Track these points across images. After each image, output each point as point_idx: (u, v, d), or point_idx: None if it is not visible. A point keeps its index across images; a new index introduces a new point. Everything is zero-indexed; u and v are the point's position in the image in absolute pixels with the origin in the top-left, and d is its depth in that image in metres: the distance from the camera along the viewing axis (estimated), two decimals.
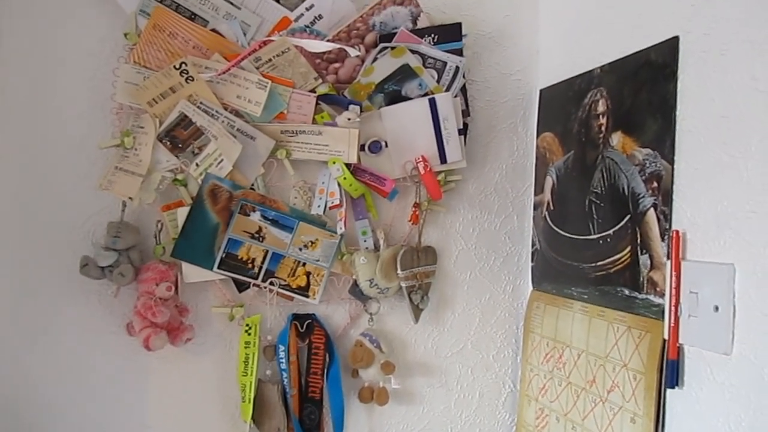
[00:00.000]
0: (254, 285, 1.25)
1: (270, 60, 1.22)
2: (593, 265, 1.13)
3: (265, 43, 1.20)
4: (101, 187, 1.16)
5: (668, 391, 0.94)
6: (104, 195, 1.18)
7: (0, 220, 1.18)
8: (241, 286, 1.25)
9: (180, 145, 1.20)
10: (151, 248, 1.21)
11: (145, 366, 1.23)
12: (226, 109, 1.21)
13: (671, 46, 0.96)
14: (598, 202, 1.13)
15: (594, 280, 1.13)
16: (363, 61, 1.25)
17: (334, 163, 1.22)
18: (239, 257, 1.22)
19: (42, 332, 1.19)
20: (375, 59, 1.25)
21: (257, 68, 1.22)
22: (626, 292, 1.05)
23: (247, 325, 1.24)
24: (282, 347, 1.24)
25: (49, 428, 1.20)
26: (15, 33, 1.18)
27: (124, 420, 1.23)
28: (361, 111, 1.24)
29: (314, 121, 1.24)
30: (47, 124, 1.19)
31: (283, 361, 1.24)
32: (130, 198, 1.17)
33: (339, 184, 1.23)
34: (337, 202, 1.22)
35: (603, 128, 1.12)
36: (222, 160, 1.20)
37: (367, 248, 1.28)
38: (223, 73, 1.19)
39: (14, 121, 1.18)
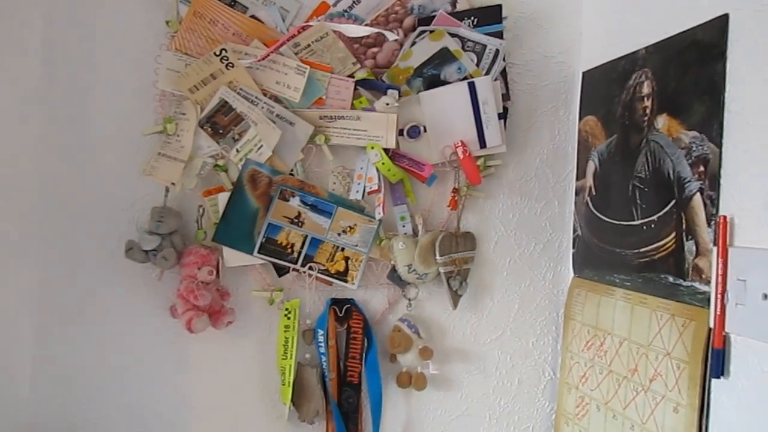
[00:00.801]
0: (293, 270, 1.26)
1: (308, 45, 1.22)
2: (636, 251, 1.11)
3: (303, 28, 1.20)
4: (144, 172, 1.18)
5: (713, 381, 0.92)
6: (148, 181, 1.20)
7: (50, 207, 1.21)
8: (281, 271, 1.27)
9: (220, 131, 1.21)
10: (193, 233, 1.23)
11: (187, 348, 1.26)
12: (265, 95, 1.22)
13: (720, 24, 0.93)
14: (642, 186, 1.10)
15: (637, 266, 1.10)
16: (401, 46, 1.25)
17: (372, 148, 1.22)
18: (279, 242, 1.24)
19: (89, 314, 1.23)
20: (413, 43, 1.24)
21: (296, 54, 1.22)
22: (670, 279, 1.02)
23: (287, 309, 1.25)
24: (321, 331, 1.25)
25: (95, 406, 1.24)
26: (61, 23, 1.21)
27: (167, 400, 1.26)
28: (399, 96, 1.23)
29: (353, 107, 1.24)
30: (93, 112, 1.22)
31: (322, 345, 1.25)
32: (172, 183, 1.20)
33: (377, 170, 1.23)
34: (375, 187, 1.22)
35: (648, 111, 1.09)
36: (261, 146, 1.21)
37: (405, 234, 1.28)
38: (263, 59, 1.20)
39: (61, 110, 1.21)
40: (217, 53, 1.19)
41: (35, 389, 1.22)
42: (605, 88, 1.22)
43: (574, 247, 1.33)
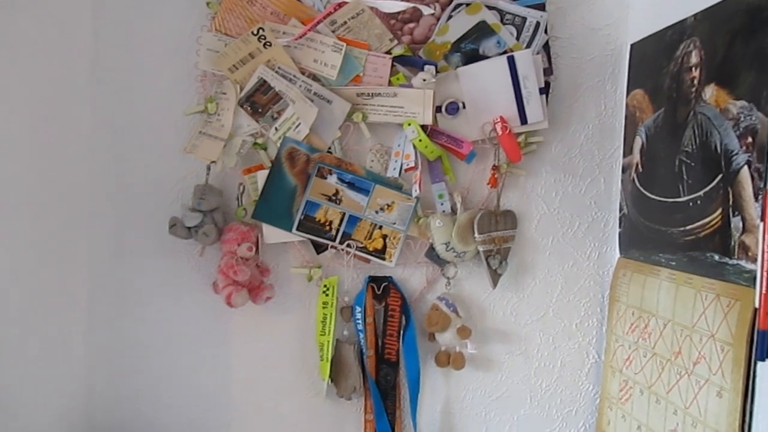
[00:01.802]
0: (332, 247, 1.26)
1: (345, 23, 1.22)
2: (682, 229, 1.06)
3: (339, 5, 1.19)
4: (185, 150, 1.21)
5: (758, 364, 0.87)
6: (192, 160, 1.23)
7: (96, 185, 1.26)
8: (319, 248, 1.28)
9: (260, 110, 1.23)
10: (233, 210, 1.26)
11: (229, 323, 1.29)
12: (303, 73, 1.22)
13: None
14: (688, 161, 1.05)
15: (682, 245, 1.06)
16: (438, 20, 1.22)
17: (409, 125, 1.21)
18: (317, 219, 1.25)
19: (136, 290, 1.28)
20: (450, 17, 1.22)
21: (333, 32, 1.22)
22: (716, 257, 0.97)
23: (325, 286, 1.26)
24: (358, 308, 1.26)
25: (142, 377, 1.29)
26: (109, 7, 1.25)
27: (209, 374, 1.30)
28: (436, 71, 1.22)
29: (390, 83, 1.23)
30: (139, 93, 1.26)
31: (360, 322, 1.26)
32: (213, 162, 1.22)
33: (414, 147, 1.22)
34: (412, 164, 1.21)
35: (695, 81, 1.04)
36: (299, 124, 1.22)
37: (443, 212, 1.27)
38: (300, 37, 1.20)
39: (109, 92, 1.26)
40: (255, 32, 1.20)
41: (89, 360, 1.27)
42: (653, 60, 1.17)
43: (620, 227, 1.29)
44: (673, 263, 1.09)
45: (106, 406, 1.28)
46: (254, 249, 1.21)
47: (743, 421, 0.90)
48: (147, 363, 1.29)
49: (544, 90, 1.24)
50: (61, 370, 1.21)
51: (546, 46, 1.25)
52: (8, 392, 1.01)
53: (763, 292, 0.85)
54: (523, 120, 1.24)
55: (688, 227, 1.04)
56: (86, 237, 1.26)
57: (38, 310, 1.12)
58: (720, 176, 0.96)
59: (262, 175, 1.24)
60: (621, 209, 1.28)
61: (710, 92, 1.00)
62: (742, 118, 0.92)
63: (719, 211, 0.96)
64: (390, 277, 1.29)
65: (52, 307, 1.17)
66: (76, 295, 1.25)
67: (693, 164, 1.04)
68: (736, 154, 0.93)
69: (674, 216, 1.08)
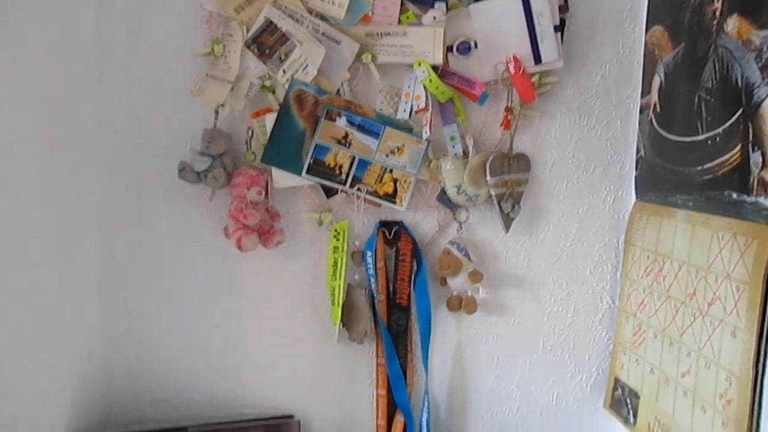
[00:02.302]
0: (342, 191, 1.25)
1: None
2: (700, 168, 1.03)
3: None
4: (192, 93, 1.19)
5: None
6: (201, 105, 1.21)
7: (104, 130, 1.25)
8: (329, 192, 1.26)
9: (267, 52, 1.20)
10: (242, 154, 1.24)
11: (240, 268, 1.29)
12: (310, 12, 1.19)
13: None
14: (708, 98, 1.01)
15: (700, 185, 1.03)
16: None
17: (419, 65, 1.18)
18: (326, 163, 1.23)
19: (148, 234, 1.27)
20: None
21: None
22: (734, 195, 0.94)
23: (336, 230, 1.26)
24: (369, 253, 1.25)
25: (156, 321, 1.30)
26: None
27: (220, 318, 1.30)
28: (447, 9, 1.18)
29: (399, 22, 1.20)
30: (145, 36, 1.23)
31: (371, 266, 1.25)
32: (221, 105, 1.20)
33: (425, 88, 1.19)
34: (423, 105, 1.18)
35: (717, 13, 0.99)
36: (307, 66, 1.19)
37: (455, 155, 1.24)
38: None
39: (113, 34, 1.23)
40: None
41: (102, 306, 1.29)
42: None
43: (636, 170, 1.26)
44: (690, 204, 1.06)
45: (120, 350, 1.30)
46: (264, 193, 1.20)
47: (757, 360, 0.89)
48: (159, 307, 1.30)
49: (560, 28, 1.20)
50: (76, 315, 1.22)
51: None
52: (23, 336, 1.03)
53: None
54: (537, 59, 1.20)
55: (706, 166, 1.01)
56: (96, 183, 1.25)
57: (51, 256, 1.12)
58: (740, 111, 0.93)
59: (270, 119, 1.22)
60: (638, 151, 1.25)
61: (732, 23, 0.95)
62: (765, 49, 0.88)
63: (738, 147, 0.93)
64: (401, 221, 1.28)
65: (65, 253, 1.17)
66: (88, 240, 1.26)
67: (712, 100, 1.00)
68: (758, 86, 0.89)
69: (692, 155, 1.05)
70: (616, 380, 1.28)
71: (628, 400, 1.22)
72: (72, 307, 1.20)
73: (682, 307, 1.07)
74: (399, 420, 1.31)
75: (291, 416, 1.31)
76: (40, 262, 1.08)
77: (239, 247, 1.19)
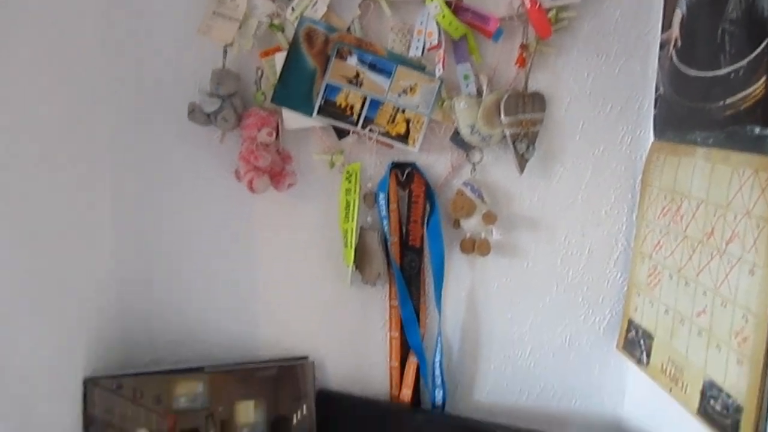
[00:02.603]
0: (354, 132, 1.23)
1: None
2: (722, 104, 1.00)
3: None
4: (200, 32, 1.17)
5: None
6: (209, 45, 1.19)
7: (114, 72, 1.23)
8: (341, 134, 1.25)
9: None
10: (252, 95, 1.22)
11: (252, 211, 1.28)
12: None
13: None
14: (732, 29, 0.97)
15: (721, 121, 1.00)
16: None
17: (432, 0, 1.15)
18: (338, 104, 1.21)
19: (157, 178, 1.27)
20: None
21: None
22: (756, 130, 0.92)
23: (348, 172, 1.24)
24: (382, 195, 1.24)
25: (168, 264, 1.31)
26: None
27: (233, 261, 1.31)
28: None
29: None
30: None
31: (383, 208, 1.24)
32: (229, 44, 1.18)
33: (437, 24, 1.16)
34: (436, 42, 1.15)
35: None
36: (317, 2, 1.16)
37: (469, 94, 1.21)
38: None
39: None
40: None
41: (117, 249, 1.29)
42: None
43: (655, 108, 1.23)
44: (710, 141, 1.03)
45: (135, 294, 1.31)
46: (274, 135, 1.18)
47: None
48: (173, 251, 1.30)
49: None
50: (90, 257, 1.23)
51: None
52: (40, 279, 1.03)
53: None
54: None
55: (728, 101, 0.98)
56: (105, 129, 1.24)
57: (65, 200, 1.12)
58: (766, 42, 0.89)
59: (280, 58, 1.19)
60: (657, 90, 1.22)
61: None
62: None
63: (763, 80, 0.90)
64: (414, 162, 1.26)
65: (78, 198, 1.17)
66: (100, 185, 1.25)
67: (737, 32, 0.96)
68: None
69: (714, 90, 1.02)
70: (630, 322, 1.28)
71: (642, 341, 1.22)
72: (86, 252, 1.20)
73: (699, 247, 1.05)
74: (412, 361, 1.32)
75: (305, 358, 1.33)
76: (55, 209, 1.08)
77: (251, 189, 1.18)
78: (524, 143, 1.22)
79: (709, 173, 1.03)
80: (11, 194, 0.95)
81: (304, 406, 1.29)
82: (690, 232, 1.08)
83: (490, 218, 1.23)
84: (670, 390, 1.12)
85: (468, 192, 1.23)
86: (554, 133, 1.26)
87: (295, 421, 1.29)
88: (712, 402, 1.00)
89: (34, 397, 1.00)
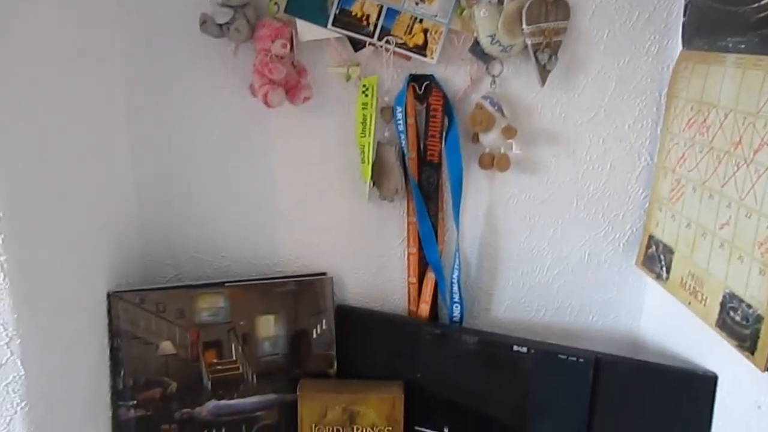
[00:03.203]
0: (370, 44, 1.20)
1: None
2: (756, 5, 0.95)
3: None
4: None
5: None
6: None
7: None
8: (357, 45, 1.21)
9: None
10: (265, 5, 1.18)
11: (268, 126, 1.27)
12: None
13: None
14: None
15: (755, 23, 0.95)
16: None
17: None
18: (353, 14, 1.17)
19: (171, 93, 1.25)
20: None
21: None
22: None
23: (364, 85, 1.21)
24: (399, 109, 1.22)
25: (186, 182, 1.31)
26: None
27: (250, 177, 1.30)
28: None
29: None
30: None
31: (401, 123, 1.22)
32: None
33: None
34: None
35: None
36: None
37: (489, 1, 1.16)
38: None
39: None
40: None
41: (135, 166, 1.29)
42: None
43: (684, 15, 1.17)
44: (742, 46, 0.99)
45: (155, 211, 1.32)
46: (289, 46, 1.15)
47: None
48: (190, 169, 1.30)
49: None
50: (109, 175, 1.23)
51: None
52: (61, 195, 1.03)
53: None
54: None
55: (763, 1, 0.93)
56: (118, 43, 1.22)
57: (80, 119, 1.11)
58: None
59: None
60: None
61: None
62: None
63: None
64: (432, 75, 1.23)
65: (93, 116, 1.16)
66: (116, 100, 1.24)
67: None
68: None
69: None
70: (650, 237, 1.26)
71: (662, 256, 1.21)
72: (105, 169, 1.20)
73: (725, 158, 1.02)
74: (430, 277, 1.32)
75: (324, 274, 1.34)
76: (72, 128, 1.08)
77: (266, 103, 1.16)
78: (546, 54, 1.18)
79: (739, 80, 0.99)
80: (30, 111, 0.94)
81: (324, 321, 1.31)
82: (716, 143, 1.05)
83: (509, 132, 1.20)
84: (689, 303, 1.12)
85: (487, 105, 1.20)
86: (578, 42, 1.22)
87: (314, 335, 1.31)
88: (731, 313, 1.00)
89: (60, 310, 1.02)
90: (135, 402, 1.23)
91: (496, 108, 1.20)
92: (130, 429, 1.23)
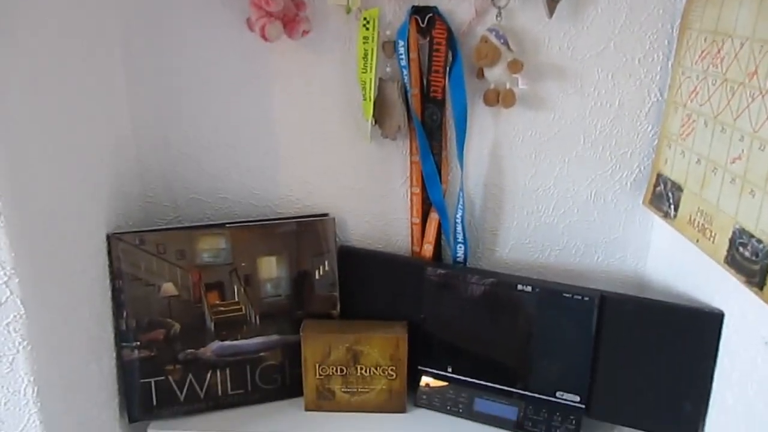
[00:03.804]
0: None
1: None
2: None
3: None
4: None
5: None
6: None
7: None
8: None
9: None
10: None
11: (266, 63, 1.23)
12: None
13: None
14: None
15: None
16: None
17: None
18: None
19: (167, 31, 1.21)
20: None
21: None
22: None
23: (365, 18, 1.17)
24: (401, 42, 1.17)
25: (183, 120, 1.28)
26: None
27: (248, 116, 1.27)
28: None
29: None
30: None
31: (403, 57, 1.18)
32: None
33: None
34: None
35: None
36: None
37: None
38: None
39: None
40: None
41: (132, 106, 1.26)
42: None
43: None
44: None
45: (153, 149, 1.30)
46: None
47: None
48: (187, 105, 1.27)
49: None
50: (106, 115, 1.20)
51: None
52: (55, 134, 1.01)
53: None
54: None
55: None
56: None
57: (74, 54, 1.07)
58: None
59: None
60: None
61: None
62: None
63: None
64: (435, 7, 1.18)
65: (87, 50, 1.12)
66: (110, 36, 1.20)
67: None
68: None
69: None
70: (659, 175, 1.24)
71: (670, 194, 1.19)
72: (101, 109, 1.17)
73: (739, 89, 0.99)
74: (433, 218, 1.31)
75: (326, 215, 1.32)
76: (64, 62, 1.04)
77: (263, 37, 1.12)
78: None
79: (756, 7, 0.95)
80: (23, 48, 0.91)
81: (326, 262, 1.30)
82: (730, 74, 1.01)
83: (515, 66, 1.16)
84: (697, 241, 1.10)
85: (493, 38, 1.16)
86: None
87: (317, 276, 1.30)
88: (741, 249, 0.98)
89: (59, 250, 1.01)
90: (138, 343, 1.23)
91: (501, 41, 1.16)
92: (134, 370, 1.23)
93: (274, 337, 1.30)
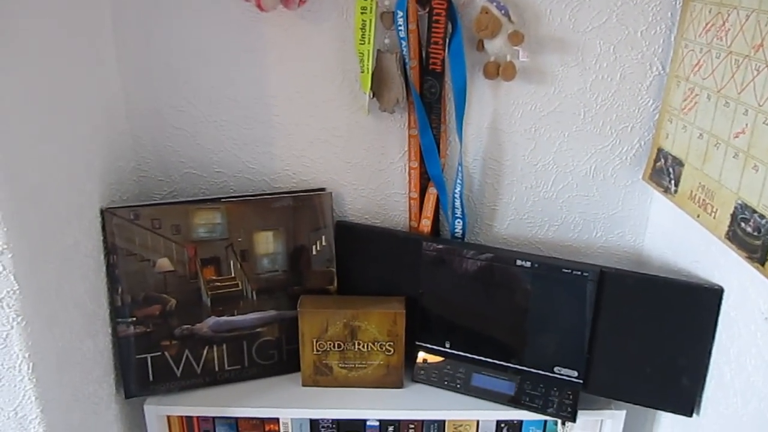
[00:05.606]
0: None
1: None
2: None
3: None
4: None
5: None
6: None
7: None
8: None
9: None
10: None
11: (262, 33, 1.20)
12: None
13: None
14: None
15: None
16: None
17: None
18: None
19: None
20: None
21: None
22: None
23: None
24: (400, 13, 1.15)
25: (176, 92, 1.25)
26: None
27: (243, 88, 1.24)
28: None
29: None
30: None
31: (402, 29, 1.16)
32: None
33: None
34: None
35: None
36: None
37: None
38: None
39: None
40: None
41: (123, 78, 1.24)
42: None
43: None
44: None
45: (146, 121, 1.27)
46: None
47: None
48: (180, 75, 1.24)
49: None
50: (95, 85, 1.17)
51: None
52: (44, 104, 0.98)
53: None
54: None
55: None
56: None
57: (62, 21, 1.04)
58: None
59: None
60: None
61: None
62: None
63: None
64: None
65: (76, 17, 1.09)
66: (102, 5, 1.17)
67: None
68: None
69: None
70: (659, 150, 1.22)
71: (671, 169, 1.18)
72: (92, 81, 1.15)
73: (744, 62, 0.97)
74: (432, 192, 1.29)
75: (322, 189, 1.30)
76: (55, 36, 1.01)
77: (259, 7, 1.09)
78: None
79: None
80: (9, 15, 0.88)
81: (323, 237, 1.29)
82: (735, 47, 0.99)
83: (516, 38, 1.14)
84: (698, 216, 1.09)
85: (493, 9, 1.14)
86: None
87: (314, 251, 1.29)
88: (742, 224, 0.97)
89: (52, 224, 0.99)
90: (134, 319, 1.22)
91: (502, 12, 1.14)
92: (129, 345, 1.22)
93: (271, 313, 1.29)
